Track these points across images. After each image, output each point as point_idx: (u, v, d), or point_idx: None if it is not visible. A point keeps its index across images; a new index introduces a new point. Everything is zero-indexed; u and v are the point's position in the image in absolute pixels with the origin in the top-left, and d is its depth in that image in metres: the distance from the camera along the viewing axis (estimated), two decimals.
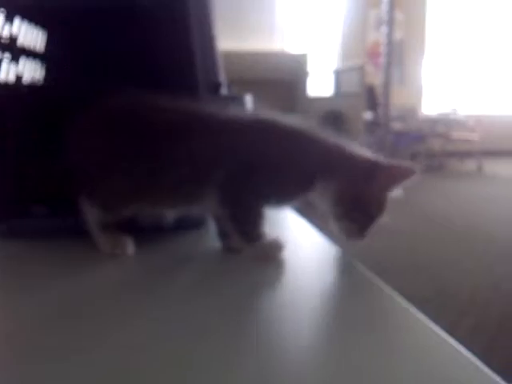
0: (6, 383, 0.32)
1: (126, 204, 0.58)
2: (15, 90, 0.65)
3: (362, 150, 0.57)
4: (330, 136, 0.57)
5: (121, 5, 0.63)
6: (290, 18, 6.28)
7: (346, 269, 0.56)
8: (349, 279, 0.52)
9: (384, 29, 4.22)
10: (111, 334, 0.38)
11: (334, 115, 5.01)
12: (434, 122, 5.94)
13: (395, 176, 0.56)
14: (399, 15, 5.87)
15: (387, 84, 4.27)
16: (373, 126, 4.96)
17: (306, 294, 0.46)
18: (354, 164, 0.55)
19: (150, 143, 0.55)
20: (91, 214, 0.59)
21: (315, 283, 0.50)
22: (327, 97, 5.26)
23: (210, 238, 0.62)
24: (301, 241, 0.65)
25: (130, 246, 0.58)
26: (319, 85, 5.23)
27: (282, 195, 0.57)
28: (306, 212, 0.64)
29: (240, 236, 0.56)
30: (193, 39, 0.60)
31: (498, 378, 0.31)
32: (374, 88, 5.03)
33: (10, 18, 0.63)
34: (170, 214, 0.59)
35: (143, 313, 0.42)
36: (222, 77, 0.64)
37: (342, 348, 0.36)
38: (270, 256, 0.56)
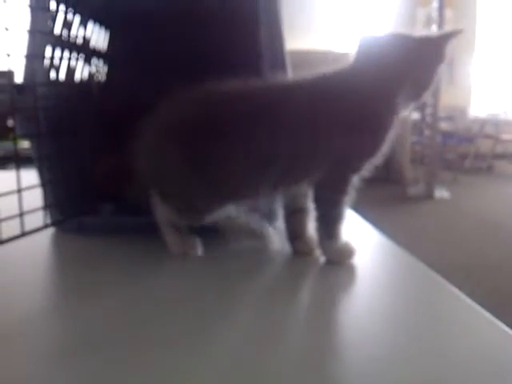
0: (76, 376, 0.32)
1: (211, 209, 0.55)
2: (87, 89, 0.66)
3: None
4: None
5: (189, 5, 0.63)
6: (339, 17, 6.28)
7: (411, 269, 0.55)
8: (414, 279, 0.52)
9: (434, 27, 4.18)
10: (176, 337, 0.38)
11: None
12: (483, 122, 5.79)
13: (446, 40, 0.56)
14: (449, 13, 5.75)
15: (436, 84, 4.21)
16: (420, 126, 4.89)
17: (377, 298, 0.46)
18: (416, 53, 0.54)
19: (238, 135, 0.52)
20: (163, 213, 0.57)
21: (384, 286, 0.50)
22: None
23: (279, 238, 0.60)
24: (366, 243, 0.64)
25: (199, 247, 0.57)
26: None
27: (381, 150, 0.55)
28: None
29: (321, 229, 0.54)
30: (261, 39, 0.60)
31: None
32: None
33: (83, 20, 0.64)
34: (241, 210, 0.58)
35: (211, 318, 0.41)
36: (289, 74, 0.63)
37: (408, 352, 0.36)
38: (341, 260, 0.55)
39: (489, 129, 5.74)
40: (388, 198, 4.30)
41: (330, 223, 0.54)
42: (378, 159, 0.55)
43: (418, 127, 4.96)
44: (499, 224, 3.42)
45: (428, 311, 0.44)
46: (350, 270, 0.53)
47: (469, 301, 0.46)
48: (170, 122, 0.54)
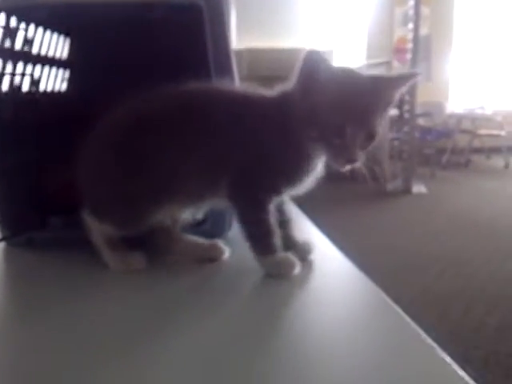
0: None
1: (145, 215, 0.56)
2: (33, 102, 0.66)
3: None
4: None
5: (137, 16, 0.64)
6: (316, 15, 6.29)
7: (363, 291, 0.54)
8: (367, 303, 0.51)
9: (410, 25, 4.22)
10: (116, 350, 0.39)
11: None
12: (460, 117, 5.87)
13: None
14: (426, 11, 5.81)
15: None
16: (399, 122, 4.94)
17: (325, 320, 0.46)
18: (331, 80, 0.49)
19: (161, 140, 0.53)
20: (99, 233, 0.57)
21: (335, 308, 0.49)
22: None
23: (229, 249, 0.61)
24: (322, 262, 0.62)
25: (142, 261, 0.57)
26: None
27: (297, 170, 0.54)
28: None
29: (252, 247, 0.55)
30: (208, 50, 0.61)
31: None
32: None
33: (27, 29, 0.64)
34: (187, 217, 0.59)
35: (151, 338, 0.42)
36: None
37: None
38: (282, 273, 0.55)
39: (466, 124, 5.82)
40: (368, 194, 4.34)
41: (257, 241, 0.55)
42: (302, 186, 0.55)
43: (396, 124, 5.01)
44: (475, 218, 3.48)
45: (369, 327, 0.45)
46: (291, 283, 0.53)
47: (407, 318, 0.46)
48: (104, 134, 0.56)
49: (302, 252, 0.59)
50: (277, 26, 5.99)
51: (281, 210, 0.59)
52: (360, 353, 0.40)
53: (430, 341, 0.42)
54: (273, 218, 0.55)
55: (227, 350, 0.40)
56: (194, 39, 0.61)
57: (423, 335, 0.43)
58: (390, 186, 4.40)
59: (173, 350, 0.40)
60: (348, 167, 0.51)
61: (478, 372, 1.50)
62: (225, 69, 0.61)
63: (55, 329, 0.44)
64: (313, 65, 0.49)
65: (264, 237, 0.54)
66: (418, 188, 4.31)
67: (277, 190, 0.55)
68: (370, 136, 0.50)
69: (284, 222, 0.59)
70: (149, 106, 0.55)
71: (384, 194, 4.31)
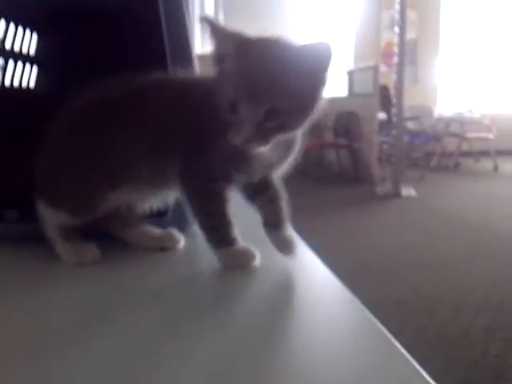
0: None
1: (100, 200, 0.55)
2: None
3: None
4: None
5: (93, 5, 0.63)
6: (304, 19, 6.32)
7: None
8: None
9: (397, 29, 4.24)
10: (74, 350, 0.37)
11: (347, 116, 5.03)
12: (449, 121, 5.90)
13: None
14: (413, 15, 5.87)
15: (400, 84, 4.28)
16: (387, 126, 4.96)
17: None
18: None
19: (109, 130, 0.53)
20: (53, 220, 0.56)
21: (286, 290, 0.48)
22: (341, 97, 5.27)
23: (191, 241, 0.59)
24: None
25: (95, 253, 0.56)
26: (333, 85, 5.25)
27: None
28: None
29: (207, 239, 0.53)
30: (164, 40, 0.60)
31: None
32: (387, 88, 5.04)
33: None
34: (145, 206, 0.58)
35: (101, 327, 0.40)
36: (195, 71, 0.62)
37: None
38: (240, 264, 0.52)
39: (454, 127, 5.86)
40: (357, 197, 4.34)
41: (211, 233, 0.53)
42: (252, 174, 0.52)
43: (385, 127, 5.02)
44: (464, 221, 3.48)
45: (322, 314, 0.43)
46: (247, 274, 0.51)
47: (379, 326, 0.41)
48: (58, 123, 0.55)
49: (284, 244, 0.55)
50: (268, 28, 6.01)
51: (265, 189, 0.55)
52: (321, 341, 0.39)
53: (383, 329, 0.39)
54: (228, 208, 0.52)
55: (174, 337, 0.39)
56: (151, 29, 0.60)
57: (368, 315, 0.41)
58: (379, 189, 4.40)
59: (120, 336, 0.39)
60: (254, 148, 0.46)
61: (467, 373, 1.48)
62: (184, 58, 0.60)
63: (4, 319, 0.43)
64: (211, 35, 0.46)
65: (218, 229, 0.52)
66: (408, 191, 4.32)
67: (227, 179, 0.52)
68: (276, 114, 0.44)
69: (271, 201, 0.55)
70: (98, 95, 0.54)
71: (374, 197, 4.31)
